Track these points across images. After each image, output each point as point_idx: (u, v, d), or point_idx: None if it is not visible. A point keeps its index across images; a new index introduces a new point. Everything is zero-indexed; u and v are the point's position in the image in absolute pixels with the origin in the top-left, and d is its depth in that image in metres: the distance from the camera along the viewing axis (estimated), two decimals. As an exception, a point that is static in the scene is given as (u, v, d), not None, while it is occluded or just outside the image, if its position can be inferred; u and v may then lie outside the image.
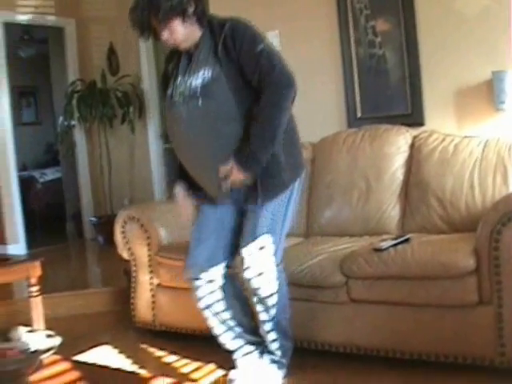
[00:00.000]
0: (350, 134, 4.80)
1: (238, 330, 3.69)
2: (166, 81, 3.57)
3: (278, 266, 3.49)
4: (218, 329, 3.71)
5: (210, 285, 3.64)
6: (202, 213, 3.66)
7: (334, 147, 4.79)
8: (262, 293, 3.45)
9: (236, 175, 3.28)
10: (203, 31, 3.37)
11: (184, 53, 3.44)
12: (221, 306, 3.67)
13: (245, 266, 3.44)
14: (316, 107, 5.29)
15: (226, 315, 3.67)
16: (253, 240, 3.41)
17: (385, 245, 3.76)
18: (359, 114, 5.14)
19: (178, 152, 3.56)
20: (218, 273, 3.62)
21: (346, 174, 4.65)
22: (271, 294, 3.45)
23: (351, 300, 3.78)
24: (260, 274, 3.42)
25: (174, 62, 3.52)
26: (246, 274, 3.44)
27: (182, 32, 3.30)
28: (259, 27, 5.20)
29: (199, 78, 3.31)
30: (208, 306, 3.68)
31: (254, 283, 3.44)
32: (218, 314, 3.68)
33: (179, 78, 3.42)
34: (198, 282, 3.65)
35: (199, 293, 3.67)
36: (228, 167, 3.27)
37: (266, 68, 3.23)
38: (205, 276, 3.62)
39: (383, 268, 3.62)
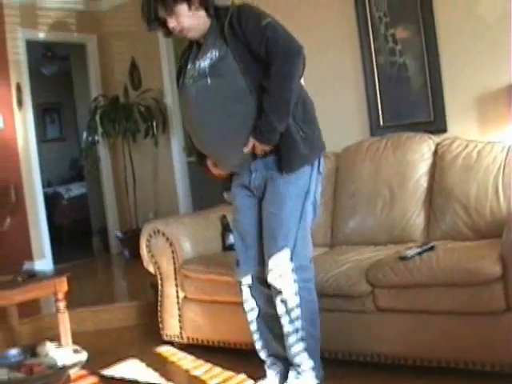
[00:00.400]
0: (372, 143, 4.79)
1: (269, 338, 3.66)
2: (179, 74, 3.59)
3: (301, 268, 3.41)
4: (253, 335, 3.70)
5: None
6: (238, 212, 3.65)
7: (357, 156, 4.78)
8: (285, 297, 3.39)
9: (258, 149, 3.33)
10: (211, 21, 3.40)
11: (195, 44, 3.49)
12: (256, 311, 3.66)
13: (268, 269, 3.42)
14: (338, 117, 5.28)
15: (260, 321, 3.66)
16: (271, 238, 3.40)
17: (410, 253, 3.74)
18: (382, 123, 5.13)
19: (193, 136, 3.57)
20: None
21: (369, 183, 4.64)
22: (296, 302, 3.39)
23: (377, 309, 3.76)
24: (280, 276, 3.38)
25: (186, 54, 3.56)
26: (269, 278, 3.42)
27: (188, 19, 3.33)
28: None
29: (207, 59, 3.33)
30: (250, 310, 3.67)
31: (277, 286, 3.40)
32: (254, 319, 3.67)
33: (189, 65, 3.46)
34: (243, 286, 3.65)
35: (244, 295, 3.67)
36: (249, 147, 3.31)
37: (272, 39, 3.23)
38: (247, 280, 3.62)
39: (409, 276, 3.59)
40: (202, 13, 3.37)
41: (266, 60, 3.25)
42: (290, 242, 3.36)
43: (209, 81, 3.30)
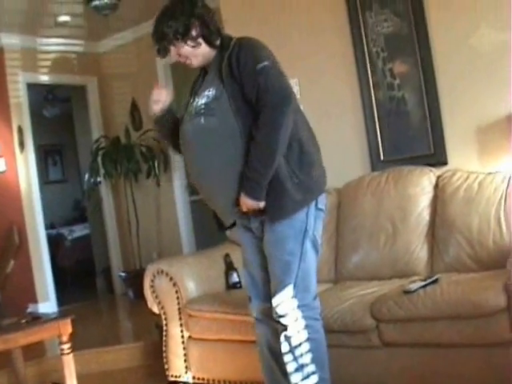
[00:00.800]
0: (374, 177, 4.80)
1: (279, 376, 3.56)
2: (186, 105, 3.59)
3: (305, 306, 3.35)
4: (263, 372, 3.66)
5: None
6: (245, 252, 3.64)
7: (358, 191, 4.79)
8: (290, 333, 3.34)
9: (245, 204, 3.28)
10: (216, 51, 3.43)
11: (202, 72, 3.55)
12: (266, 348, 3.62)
13: (273, 307, 3.40)
14: (339, 152, 5.29)
15: (270, 358, 3.61)
16: (274, 277, 3.38)
17: (414, 286, 3.73)
18: (382, 157, 5.13)
19: (189, 169, 3.62)
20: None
21: (371, 218, 4.63)
22: (299, 340, 3.34)
23: (383, 344, 3.74)
24: (285, 314, 3.35)
25: (197, 85, 3.59)
26: (274, 314, 3.40)
27: (188, 53, 3.40)
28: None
29: (204, 97, 3.35)
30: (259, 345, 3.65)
31: (282, 322, 3.37)
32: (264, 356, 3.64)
33: (191, 99, 3.50)
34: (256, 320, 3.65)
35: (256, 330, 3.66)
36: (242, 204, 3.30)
37: (263, 86, 3.19)
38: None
39: (413, 310, 3.58)
40: (204, 45, 3.41)
41: (256, 107, 3.23)
42: (292, 280, 3.32)
43: (202, 120, 3.32)
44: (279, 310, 3.35)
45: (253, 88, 3.21)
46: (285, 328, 3.36)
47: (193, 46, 3.39)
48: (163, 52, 3.47)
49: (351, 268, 4.64)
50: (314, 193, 3.38)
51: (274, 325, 3.46)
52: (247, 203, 3.26)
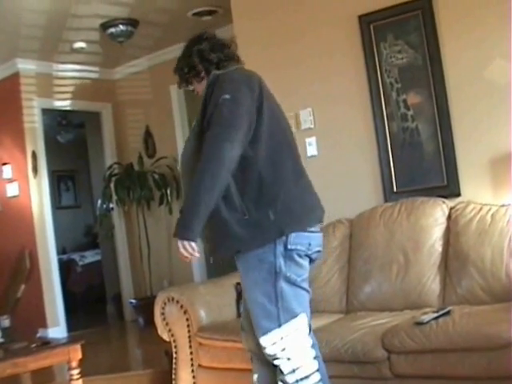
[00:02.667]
0: (386, 208, 4.79)
1: None
2: None
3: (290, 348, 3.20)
4: None
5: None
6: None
7: (371, 222, 4.78)
8: (282, 377, 3.23)
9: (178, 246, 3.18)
10: None
11: None
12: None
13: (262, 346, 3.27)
14: (352, 183, 5.30)
15: None
16: (254, 322, 3.28)
17: (426, 318, 3.70)
18: (395, 188, 5.12)
19: None
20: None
21: (384, 248, 4.62)
22: (292, 380, 3.18)
23: (394, 375, 3.69)
24: (274, 355, 3.23)
25: None
26: (266, 355, 3.28)
27: (200, 86, 3.47)
28: (292, 105, 5.30)
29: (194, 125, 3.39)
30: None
31: (274, 363, 3.25)
32: None
33: None
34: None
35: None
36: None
37: (214, 118, 3.13)
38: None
39: (425, 342, 3.55)
40: (207, 77, 3.46)
41: None
42: (275, 323, 3.17)
43: (187, 145, 3.38)
44: (267, 351, 3.23)
45: (209, 119, 3.17)
46: (279, 368, 3.24)
47: (198, 81, 3.49)
48: (184, 85, 3.62)
49: (363, 299, 4.62)
50: (271, 233, 3.15)
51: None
52: (178, 246, 3.18)
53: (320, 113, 5.47)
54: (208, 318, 4.67)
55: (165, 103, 8.44)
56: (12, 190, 8.36)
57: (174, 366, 4.77)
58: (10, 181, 8.38)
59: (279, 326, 3.17)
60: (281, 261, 3.14)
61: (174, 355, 4.77)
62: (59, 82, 8.56)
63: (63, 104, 8.77)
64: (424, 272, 4.41)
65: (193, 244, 3.13)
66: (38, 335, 7.25)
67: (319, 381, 3.20)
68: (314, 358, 3.23)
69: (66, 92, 8.67)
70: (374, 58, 5.19)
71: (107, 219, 9.06)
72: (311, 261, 3.30)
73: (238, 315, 4.82)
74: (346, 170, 5.31)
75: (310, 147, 5.49)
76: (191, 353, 4.65)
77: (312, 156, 5.49)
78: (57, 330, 7.87)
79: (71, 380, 4.52)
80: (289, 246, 3.15)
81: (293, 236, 3.15)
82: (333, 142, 5.38)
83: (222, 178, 3.04)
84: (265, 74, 5.54)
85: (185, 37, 3.67)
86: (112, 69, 8.98)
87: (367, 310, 4.51)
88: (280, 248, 3.14)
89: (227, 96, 3.15)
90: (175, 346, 4.75)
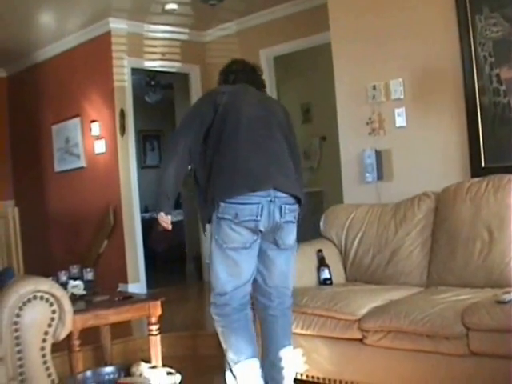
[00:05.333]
0: (473, 184, 4.70)
1: None
2: None
3: (212, 303, 4.03)
4: None
5: None
6: None
7: (457, 197, 4.70)
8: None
9: None
10: None
11: None
12: None
13: None
14: (439, 156, 5.24)
15: None
16: None
17: (508, 297, 3.64)
18: (483, 164, 5.03)
19: None
20: None
21: (468, 225, 4.55)
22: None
23: (471, 353, 3.65)
24: None
25: None
26: None
27: None
28: (383, 75, 5.26)
29: None
30: None
31: None
32: None
33: None
34: None
35: None
36: None
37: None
38: None
39: (506, 321, 3.49)
40: None
41: None
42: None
43: None
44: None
45: None
46: None
47: None
48: None
49: (444, 273, 4.56)
50: (212, 205, 3.89)
51: None
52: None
53: (411, 84, 5.40)
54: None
55: (251, 65, 8.43)
56: (99, 147, 8.51)
57: (252, 328, 4.82)
58: (98, 138, 8.53)
59: (210, 279, 4.04)
60: (214, 225, 3.90)
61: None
62: (149, 42, 8.64)
63: (152, 64, 8.85)
64: (508, 251, 4.33)
65: (162, 214, 4.06)
66: (118, 290, 7.40)
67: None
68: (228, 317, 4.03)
69: (156, 52, 8.74)
70: (468, 31, 5.08)
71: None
72: (256, 230, 3.86)
73: (319, 282, 4.85)
74: (433, 143, 5.25)
75: (399, 118, 5.44)
76: (267, 314, 4.68)
77: (400, 127, 5.45)
78: (136, 286, 8.01)
79: (150, 335, 4.62)
80: (218, 215, 3.84)
81: (221, 206, 3.81)
82: (422, 113, 5.32)
83: (171, 161, 4.02)
84: (358, 43, 5.55)
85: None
86: (202, 31, 9.01)
87: (448, 285, 4.45)
88: (214, 215, 3.87)
89: (191, 106, 4.34)
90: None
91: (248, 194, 3.77)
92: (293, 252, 4.11)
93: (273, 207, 3.81)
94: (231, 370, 4.01)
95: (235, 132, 3.92)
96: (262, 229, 3.82)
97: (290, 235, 4.02)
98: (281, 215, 3.84)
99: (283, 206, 3.85)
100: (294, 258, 4.15)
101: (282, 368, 4.02)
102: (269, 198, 3.79)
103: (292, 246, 4.07)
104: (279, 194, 3.83)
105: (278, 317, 4.10)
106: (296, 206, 3.96)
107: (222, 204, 3.79)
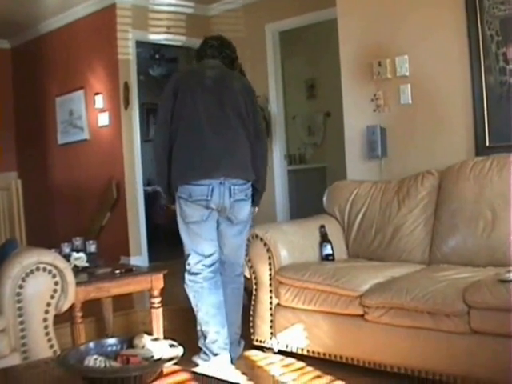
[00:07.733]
0: (477, 162, 4.70)
1: None
2: None
3: (186, 270, 4.65)
4: None
5: None
6: None
7: (460, 175, 4.70)
8: None
9: None
10: None
11: None
12: None
13: None
14: (443, 134, 5.22)
15: None
16: None
17: (510, 276, 3.65)
18: (488, 143, 5.02)
19: None
20: None
21: (471, 203, 4.55)
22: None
23: (472, 331, 3.66)
24: None
25: None
26: None
27: None
28: (389, 51, 5.23)
29: None
30: None
31: None
32: None
33: None
34: None
35: None
36: None
37: None
38: None
39: (508, 300, 3.49)
40: None
41: None
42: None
43: None
44: None
45: None
46: None
47: None
48: None
49: (446, 251, 4.57)
50: (172, 188, 4.56)
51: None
52: None
53: (416, 61, 5.38)
54: (290, 258, 4.72)
55: (258, 42, 8.40)
56: (103, 119, 8.51)
57: (252, 302, 4.85)
58: (102, 110, 8.52)
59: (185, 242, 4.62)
60: (177, 202, 4.54)
61: (254, 292, 4.83)
62: (154, 15, 8.60)
63: (157, 37, 8.81)
64: (511, 230, 4.33)
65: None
66: (121, 262, 7.42)
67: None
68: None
69: (161, 26, 8.71)
70: (475, 9, 5.05)
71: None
72: (209, 207, 4.45)
73: (321, 258, 4.86)
74: (438, 120, 5.23)
75: (404, 95, 5.42)
76: (271, 291, 4.71)
77: (405, 104, 5.43)
78: (138, 258, 8.04)
79: (152, 308, 4.64)
80: (178, 194, 4.49)
81: (179, 188, 4.46)
82: (427, 91, 5.30)
83: (157, 155, 4.59)
84: (364, 19, 5.52)
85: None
86: (207, 5, 8.96)
87: (450, 263, 4.46)
88: (177, 195, 4.50)
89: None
90: (256, 283, 4.81)
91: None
92: (245, 226, 4.67)
93: (223, 189, 4.40)
94: (204, 339, 4.62)
95: (191, 122, 4.48)
96: (214, 206, 4.42)
97: (241, 211, 4.57)
98: (230, 195, 4.43)
99: (232, 186, 4.43)
100: (247, 231, 4.72)
101: (231, 332, 4.63)
102: (219, 181, 4.39)
103: (244, 220, 4.64)
104: (229, 178, 4.43)
105: (229, 283, 4.66)
106: (246, 186, 4.54)
107: (179, 187, 4.45)
